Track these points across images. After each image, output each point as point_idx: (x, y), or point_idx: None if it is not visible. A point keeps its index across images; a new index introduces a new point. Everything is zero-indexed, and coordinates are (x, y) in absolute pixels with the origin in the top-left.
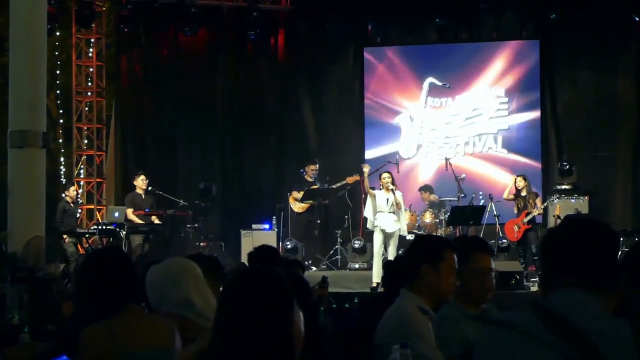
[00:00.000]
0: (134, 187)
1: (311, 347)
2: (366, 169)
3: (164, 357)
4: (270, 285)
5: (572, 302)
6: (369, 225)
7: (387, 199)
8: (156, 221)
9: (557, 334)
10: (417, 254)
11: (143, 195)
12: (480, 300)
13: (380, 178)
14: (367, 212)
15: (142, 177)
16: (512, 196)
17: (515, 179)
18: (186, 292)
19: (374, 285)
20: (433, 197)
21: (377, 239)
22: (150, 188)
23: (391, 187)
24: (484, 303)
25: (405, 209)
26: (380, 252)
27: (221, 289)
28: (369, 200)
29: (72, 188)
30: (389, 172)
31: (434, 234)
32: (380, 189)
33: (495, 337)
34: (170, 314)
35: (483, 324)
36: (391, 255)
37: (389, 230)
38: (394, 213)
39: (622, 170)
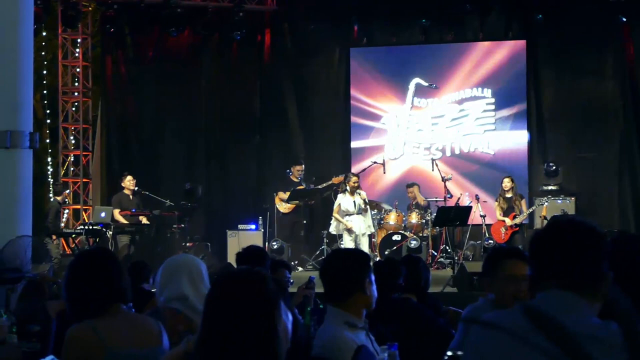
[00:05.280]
0: (120, 187)
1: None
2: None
3: (150, 358)
4: (255, 287)
5: (562, 305)
6: (332, 230)
7: (355, 202)
8: (144, 221)
9: (549, 337)
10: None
11: (130, 196)
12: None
13: (350, 182)
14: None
15: (130, 177)
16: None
17: (503, 179)
18: (180, 287)
19: None
20: (421, 198)
21: (347, 241)
22: (137, 188)
23: (357, 190)
24: None
25: (391, 209)
26: None
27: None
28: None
29: (67, 191)
30: (357, 176)
31: (420, 234)
32: (345, 193)
33: (484, 338)
34: (165, 307)
35: (472, 324)
36: None
37: (360, 232)
38: (361, 214)
39: (608, 171)
